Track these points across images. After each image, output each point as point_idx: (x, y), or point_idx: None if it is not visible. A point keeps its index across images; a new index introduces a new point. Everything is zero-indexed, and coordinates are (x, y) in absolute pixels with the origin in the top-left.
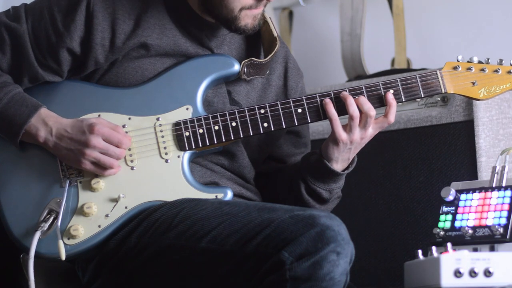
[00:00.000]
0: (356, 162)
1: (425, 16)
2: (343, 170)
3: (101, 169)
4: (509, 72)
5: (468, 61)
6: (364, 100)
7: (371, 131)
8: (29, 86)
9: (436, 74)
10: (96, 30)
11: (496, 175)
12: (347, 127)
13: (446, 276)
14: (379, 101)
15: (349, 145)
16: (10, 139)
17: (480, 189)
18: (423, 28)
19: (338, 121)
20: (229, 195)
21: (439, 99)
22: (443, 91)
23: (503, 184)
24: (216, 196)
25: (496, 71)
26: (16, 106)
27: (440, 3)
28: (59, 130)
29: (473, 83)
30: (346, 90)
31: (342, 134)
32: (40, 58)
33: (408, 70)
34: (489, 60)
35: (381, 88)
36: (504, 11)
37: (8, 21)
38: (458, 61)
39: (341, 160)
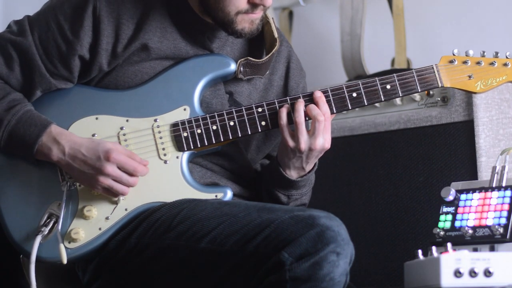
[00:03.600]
0: (362, 162)
1: (425, 16)
2: (301, 177)
3: (112, 195)
4: (505, 64)
5: (464, 55)
6: (313, 106)
7: (320, 141)
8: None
9: (432, 68)
10: (103, 35)
11: (496, 175)
12: (294, 135)
13: (446, 276)
14: (343, 104)
15: (298, 153)
16: (26, 160)
17: (480, 189)
18: (423, 28)
19: (285, 128)
20: (229, 194)
21: (439, 99)
22: (439, 85)
23: (503, 184)
24: (216, 196)
25: (492, 63)
26: (25, 126)
27: (440, 3)
28: (73, 151)
29: (470, 77)
30: (327, 90)
31: (289, 141)
32: (50, 68)
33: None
34: (485, 53)
35: (378, 84)
36: (504, 11)
37: (13, 37)
38: (454, 54)
39: (293, 167)
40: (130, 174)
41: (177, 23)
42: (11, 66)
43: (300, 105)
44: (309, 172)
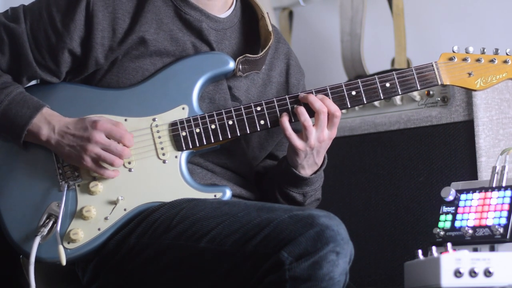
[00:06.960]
0: (362, 162)
1: (425, 16)
2: (314, 173)
3: (102, 168)
4: (505, 61)
5: (464, 52)
6: (313, 99)
7: (327, 132)
8: (27, 85)
9: (432, 66)
10: (96, 29)
11: (496, 175)
12: (303, 136)
13: (446, 276)
14: (342, 103)
15: (309, 151)
16: (13, 141)
17: (480, 189)
18: (423, 28)
19: (291, 132)
20: (228, 194)
21: (439, 99)
22: (439, 82)
23: (503, 184)
24: (215, 196)
25: (492, 61)
26: (17, 107)
27: (440, 3)
28: (63, 128)
29: (469, 74)
30: (327, 89)
31: (298, 144)
32: (38, 59)
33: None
34: (485, 50)
35: (377, 82)
36: (504, 11)
37: (6, 22)
38: (453, 51)
39: (307, 165)
40: (118, 141)
41: (174, 15)
42: (2, 50)
43: (303, 109)
44: (321, 166)
